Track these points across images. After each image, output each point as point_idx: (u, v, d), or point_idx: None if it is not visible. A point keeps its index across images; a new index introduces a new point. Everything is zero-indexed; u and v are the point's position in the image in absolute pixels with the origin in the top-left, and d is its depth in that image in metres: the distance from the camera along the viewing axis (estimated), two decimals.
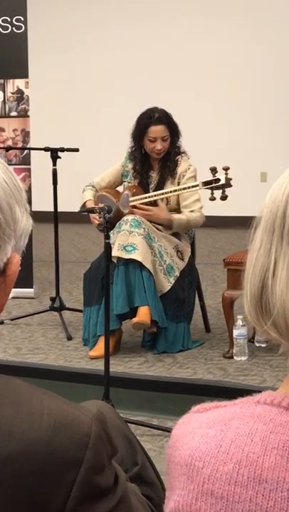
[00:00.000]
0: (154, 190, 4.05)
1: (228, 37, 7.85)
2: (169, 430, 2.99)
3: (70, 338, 4.19)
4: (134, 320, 3.74)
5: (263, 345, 3.98)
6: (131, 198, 4.01)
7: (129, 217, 3.92)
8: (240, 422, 0.79)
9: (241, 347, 3.81)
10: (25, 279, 5.09)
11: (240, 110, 7.88)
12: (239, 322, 3.80)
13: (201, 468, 0.78)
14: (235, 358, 3.81)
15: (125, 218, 3.94)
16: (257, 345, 3.99)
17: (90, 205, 4.10)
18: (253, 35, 7.78)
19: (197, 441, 0.80)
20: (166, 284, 3.93)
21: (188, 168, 4.05)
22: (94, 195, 4.20)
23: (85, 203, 4.17)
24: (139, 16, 8.08)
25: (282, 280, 0.76)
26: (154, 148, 4.02)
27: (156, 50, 7.99)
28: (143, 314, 3.76)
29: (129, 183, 4.17)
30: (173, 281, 3.94)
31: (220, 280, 5.18)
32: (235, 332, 3.80)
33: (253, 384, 3.45)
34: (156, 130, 3.99)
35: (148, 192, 4.05)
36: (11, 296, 1.01)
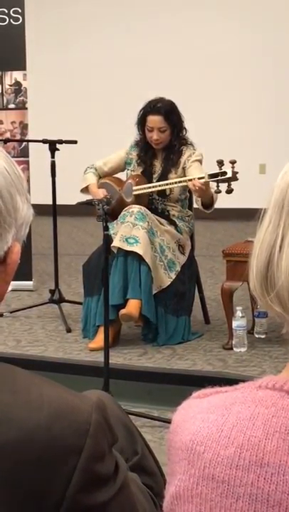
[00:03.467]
0: (158, 180, 4.03)
1: (227, 30, 7.83)
2: (168, 421, 2.98)
3: (69, 331, 4.19)
4: (123, 311, 3.74)
5: (262, 336, 3.98)
6: (134, 187, 4.00)
7: (134, 209, 3.90)
8: (241, 407, 0.78)
9: (240, 338, 3.81)
10: (24, 271, 5.08)
11: (239, 102, 7.86)
12: (238, 313, 3.80)
13: (202, 452, 0.78)
14: (234, 349, 3.81)
15: (130, 210, 3.91)
16: (256, 336, 3.99)
17: (93, 189, 4.08)
18: (253, 27, 7.76)
19: (198, 426, 0.80)
20: (167, 279, 3.92)
21: (193, 153, 4.02)
22: (97, 179, 4.19)
23: (87, 186, 4.16)
24: (138, 8, 8.05)
25: (288, 254, 0.76)
26: (152, 138, 4.01)
27: (155, 43, 7.97)
28: (132, 307, 3.76)
29: (132, 171, 4.15)
30: (174, 277, 3.94)
31: (219, 272, 5.18)
32: (235, 323, 3.80)
33: (252, 375, 3.45)
34: (153, 120, 3.98)
35: (151, 181, 4.04)
36: (10, 288, 1.01)
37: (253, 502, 0.74)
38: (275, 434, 0.75)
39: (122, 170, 4.22)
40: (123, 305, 3.81)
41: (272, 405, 0.77)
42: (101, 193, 4.01)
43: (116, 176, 4.31)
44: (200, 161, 4.02)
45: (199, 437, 0.79)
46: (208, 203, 3.85)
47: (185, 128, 4.07)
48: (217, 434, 0.78)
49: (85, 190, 4.21)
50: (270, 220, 0.80)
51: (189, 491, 0.78)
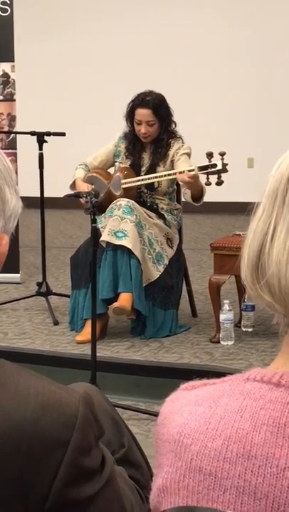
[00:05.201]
0: (146, 173, 4.02)
1: (215, 23, 7.81)
2: (155, 414, 2.99)
3: (56, 323, 4.18)
4: (115, 305, 3.74)
5: (250, 329, 3.99)
6: (123, 181, 3.99)
7: (122, 203, 3.89)
8: (229, 399, 0.78)
9: (228, 331, 3.82)
10: (11, 264, 5.06)
11: (227, 96, 7.85)
12: (226, 307, 3.81)
13: (189, 444, 0.78)
14: (221, 342, 3.82)
15: (118, 203, 3.90)
16: (243, 329, 4.00)
17: (78, 182, 4.07)
18: (242, 20, 7.74)
19: (186, 418, 0.80)
20: (155, 272, 3.92)
21: (182, 146, 4.02)
22: (85, 174, 4.17)
23: (74, 181, 4.15)
24: (127, 1, 8.01)
25: (279, 242, 0.77)
26: (140, 131, 4.00)
27: (144, 35, 7.94)
28: (124, 300, 3.75)
29: (120, 163, 4.14)
30: (162, 270, 3.94)
31: (206, 266, 5.18)
32: (222, 317, 3.81)
33: (239, 368, 3.46)
34: (142, 113, 3.97)
35: (139, 174, 4.03)
36: None
37: (240, 494, 0.74)
38: (262, 427, 0.75)
39: (112, 164, 4.21)
40: (113, 299, 3.81)
41: (260, 398, 0.76)
42: (86, 187, 3.99)
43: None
44: (188, 155, 4.02)
45: (187, 430, 0.79)
46: (198, 195, 3.85)
47: (174, 121, 4.06)
48: (204, 427, 0.78)
49: (73, 185, 4.19)
50: (263, 209, 0.80)
51: (176, 484, 0.78)
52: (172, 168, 3.99)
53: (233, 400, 0.78)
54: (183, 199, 4.13)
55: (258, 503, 0.72)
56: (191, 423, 0.79)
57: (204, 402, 0.80)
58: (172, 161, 4.01)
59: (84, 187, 4.01)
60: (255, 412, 0.76)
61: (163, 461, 0.81)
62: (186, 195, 3.90)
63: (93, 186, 3.93)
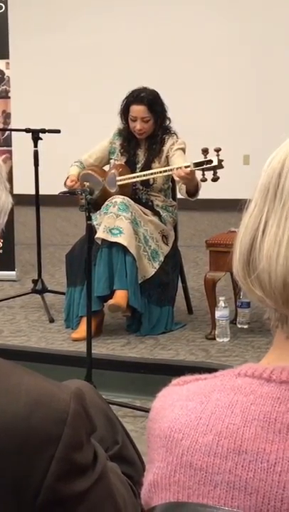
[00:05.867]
0: (141, 170, 4.01)
1: (211, 19, 7.80)
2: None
3: (52, 321, 4.18)
4: (111, 302, 3.74)
5: (245, 326, 3.99)
6: (118, 178, 3.98)
7: (118, 200, 3.88)
8: (220, 394, 0.78)
9: (223, 328, 3.82)
10: (7, 261, 5.06)
11: (223, 93, 7.85)
12: (221, 304, 3.81)
13: (180, 440, 0.78)
14: (217, 339, 3.82)
15: (113, 200, 3.90)
16: (239, 326, 4.00)
17: (71, 181, 4.06)
18: (240, 16, 7.74)
19: (177, 414, 0.80)
20: (151, 269, 3.91)
21: (176, 141, 4.01)
22: (79, 172, 4.16)
23: (67, 178, 4.14)
24: None
25: (270, 237, 0.77)
26: (135, 128, 3.99)
27: (140, 32, 7.93)
28: (119, 297, 3.75)
29: (116, 160, 4.13)
30: (157, 267, 3.93)
31: (202, 262, 5.18)
32: (218, 313, 3.81)
33: (234, 365, 3.45)
34: (137, 110, 3.96)
35: (135, 171, 4.02)
36: None
37: (230, 489, 0.73)
38: (253, 422, 0.74)
39: (108, 161, 4.20)
40: (108, 296, 3.81)
41: (251, 393, 0.76)
42: (69, 183, 4.01)
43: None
44: (183, 150, 4.01)
45: (178, 425, 0.79)
46: (194, 190, 3.85)
47: (168, 118, 4.06)
48: (195, 422, 0.77)
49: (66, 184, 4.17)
50: (255, 204, 0.80)
51: (167, 479, 0.78)
52: (167, 163, 3.99)
53: (224, 395, 0.78)
54: (179, 194, 4.12)
55: (249, 498, 0.72)
56: (182, 418, 0.79)
57: (195, 397, 0.80)
58: (167, 157, 4.00)
59: (68, 182, 4.02)
60: (246, 407, 0.75)
61: (154, 456, 0.81)
62: (181, 190, 3.90)
63: (88, 183, 3.93)
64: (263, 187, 0.80)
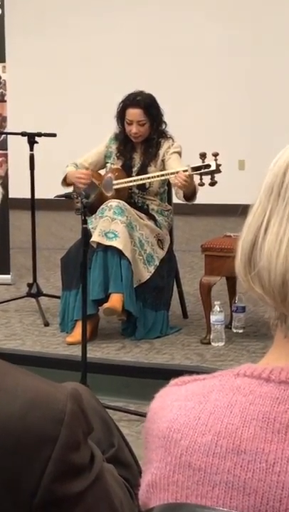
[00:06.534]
0: (137, 174, 4.02)
1: (207, 24, 7.82)
2: (145, 415, 2.98)
3: (47, 324, 4.17)
4: (106, 305, 3.73)
5: (240, 331, 3.99)
6: (114, 182, 3.98)
7: (113, 204, 3.88)
8: (219, 394, 0.78)
9: (218, 333, 3.82)
10: (2, 265, 5.06)
11: (219, 97, 7.87)
12: (216, 308, 3.81)
13: (178, 440, 0.77)
14: (212, 343, 3.82)
15: (109, 204, 3.90)
16: (234, 331, 4.00)
17: (73, 174, 4.03)
18: (234, 21, 7.76)
19: (175, 414, 0.79)
20: (146, 273, 3.91)
21: (172, 145, 4.02)
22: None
23: (65, 177, 4.13)
24: (118, 0, 8.01)
25: (272, 235, 0.78)
26: (131, 131, 4.00)
27: (137, 36, 7.94)
28: (115, 301, 3.75)
29: (112, 164, 4.13)
30: (152, 271, 3.93)
31: (197, 267, 5.18)
32: (213, 318, 3.81)
33: None
34: (133, 113, 3.97)
35: (130, 175, 4.02)
36: None
37: (229, 490, 0.73)
38: (252, 422, 0.74)
39: (103, 165, 4.19)
40: (103, 300, 3.80)
41: (250, 393, 0.76)
42: (77, 174, 3.98)
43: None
44: (179, 153, 4.02)
45: (176, 425, 0.79)
46: (191, 194, 3.85)
47: (164, 122, 4.06)
48: (194, 422, 0.77)
49: (64, 182, 4.16)
50: (259, 203, 0.81)
51: (165, 479, 0.77)
52: (163, 167, 3.99)
53: (222, 395, 0.77)
54: (175, 198, 4.11)
55: (247, 498, 0.72)
56: (180, 418, 0.79)
57: (194, 398, 0.79)
58: (163, 161, 4.01)
59: (76, 174, 3.99)
60: (245, 407, 0.75)
61: (152, 456, 0.80)
62: (178, 194, 3.90)
63: (88, 171, 3.95)
64: (267, 186, 0.80)
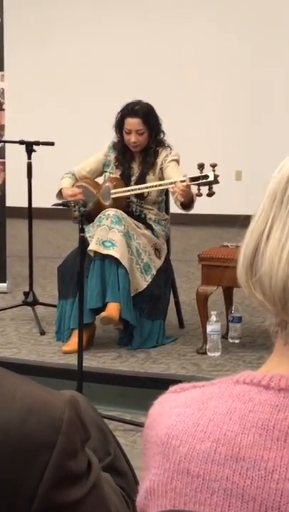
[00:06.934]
0: (136, 183, 4.02)
1: (206, 33, 7.86)
2: (141, 425, 2.97)
3: (43, 333, 4.16)
4: (103, 314, 3.73)
5: (237, 341, 3.99)
6: (112, 191, 3.99)
7: (111, 213, 3.88)
8: (218, 401, 0.78)
9: (215, 343, 3.81)
10: None
11: (216, 109, 7.89)
12: (213, 318, 3.80)
13: (177, 446, 0.77)
14: (208, 353, 3.81)
15: (106, 213, 3.90)
16: (230, 341, 4.00)
17: (65, 191, 4.05)
18: (232, 32, 7.79)
19: (174, 420, 0.79)
20: (143, 282, 3.91)
21: (170, 153, 4.02)
22: (72, 183, 4.16)
23: (60, 190, 4.13)
24: (115, 9, 8.05)
25: (274, 242, 0.78)
26: (129, 141, 4.01)
27: (133, 44, 7.97)
28: (112, 309, 3.75)
29: (110, 173, 4.14)
30: (150, 280, 3.93)
31: (194, 277, 5.18)
32: (209, 328, 3.80)
33: None
34: (131, 122, 3.98)
35: (129, 184, 4.03)
36: None
37: (227, 497, 0.73)
38: (251, 429, 0.74)
39: (101, 173, 4.20)
40: (100, 309, 3.80)
41: (250, 400, 0.76)
42: (70, 192, 3.99)
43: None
44: (177, 161, 4.03)
45: (175, 431, 0.78)
46: (188, 202, 3.85)
47: (163, 131, 4.08)
48: (193, 429, 0.77)
49: (59, 194, 4.16)
50: (262, 209, 0.81)
51: (164, 486, 0.77)
52: (162, 175, 4.00)
53: (222, 402, 0.77)
54: (173, 207, 4.11)
55: (246, 506, 0.72)
56: (179, 425, 0.78)
57: (193, 404, 0.79)
58: (161, 169, 4.02)
59: (69, 192, 4.00)
60: (244, 415, 0.75)
61: (150, 463, 0.80)
62: (176, 202, 3.90)
63: (81, 189, 3.95)
64: (270, 193, 0.81)
